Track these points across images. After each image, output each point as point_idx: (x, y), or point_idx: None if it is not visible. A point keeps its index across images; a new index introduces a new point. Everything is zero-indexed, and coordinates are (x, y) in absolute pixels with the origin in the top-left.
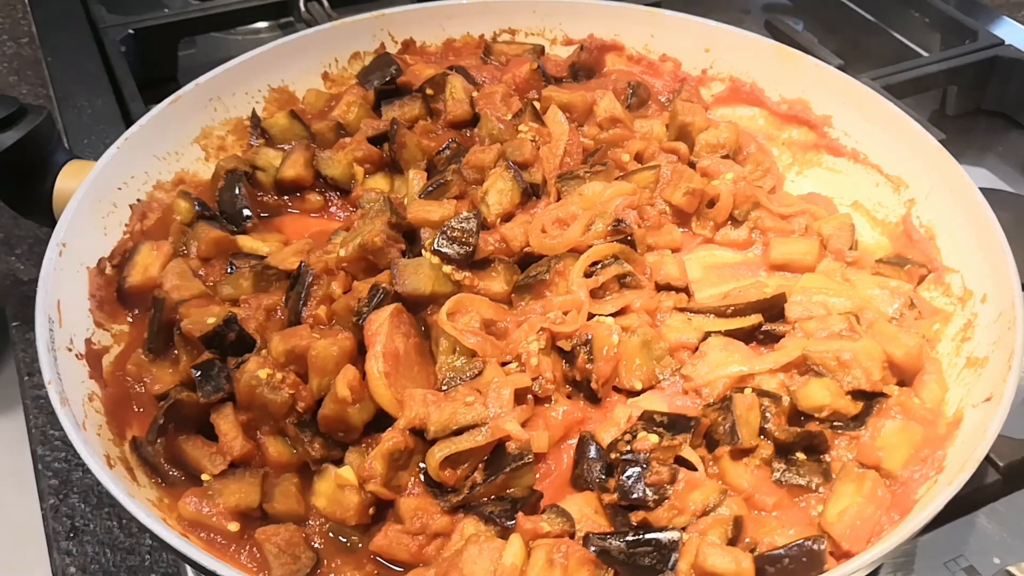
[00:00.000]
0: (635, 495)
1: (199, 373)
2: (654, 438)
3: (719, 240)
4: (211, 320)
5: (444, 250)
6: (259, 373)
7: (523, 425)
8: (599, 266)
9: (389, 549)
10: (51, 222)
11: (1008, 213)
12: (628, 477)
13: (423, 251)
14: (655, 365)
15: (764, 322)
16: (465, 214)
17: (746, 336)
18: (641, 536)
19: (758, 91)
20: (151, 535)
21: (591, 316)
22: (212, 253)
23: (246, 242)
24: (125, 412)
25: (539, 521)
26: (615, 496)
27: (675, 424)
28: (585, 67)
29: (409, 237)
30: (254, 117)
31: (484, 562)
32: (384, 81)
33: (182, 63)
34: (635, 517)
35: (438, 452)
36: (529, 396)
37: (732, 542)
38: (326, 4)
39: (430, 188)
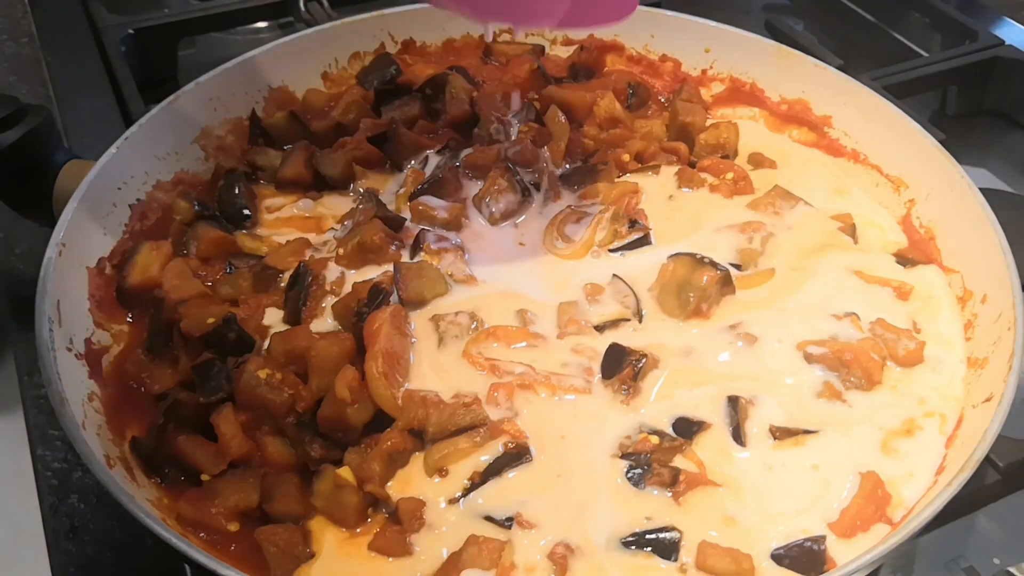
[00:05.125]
0: (636, 496)
1: (199, 373)
2: (655, 439)
3: None
4: (211, 320)
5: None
6: (259, 373)
7: None
8: None
9: (387, 550)
10: (51, 222)
11: (1008, 213)
12: (629, 478)
13: (423, 253)
14: None
15: None
16: None
17: None
18: (642, 536)
19: (758, 91)
20: (151, 535)
21: None
22: (212, 253)
23: (246, 242)
24: (125, 412)
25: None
26: None
27: (677, 425)
28: (585, 67)
29: (392, 225)
30: (254, 117)
31: (484, 562)
32: (384, 81)
33: (182, 63)
34: None
35: (437, 453)
36: None
37: (732, 542)
38: (326, 4)
39: (424, 185)
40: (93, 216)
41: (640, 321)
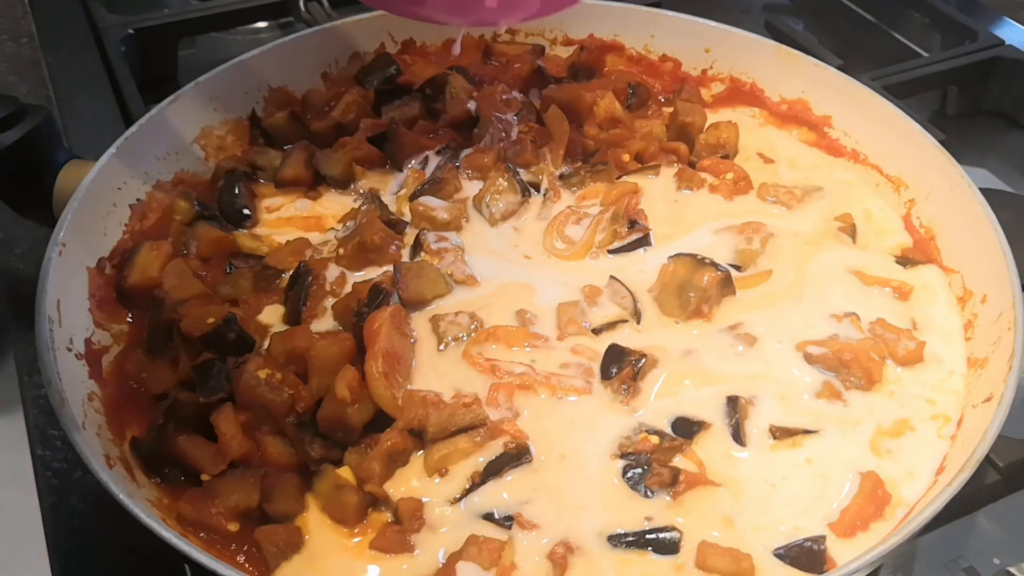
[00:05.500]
0: (636, 496)
1: (199, 373)
2: (655, 439)
3: None
4: (211, 320)
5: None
6: (259, 373)
7: None
8: None
9: (388, 550)
10: (51, 222)
11: (1008, 213)
12: (629, 478)
13: (423, 253)
14: None
15: None
16: None
17: None
18: (642, 536)
19: (758, 91)
20: (151, 535)
21: None
22: (212, 253)
23: (246, 242)
24: (125, 412)
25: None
26: None
27: (677, 425)
28: (585, 67)
29: (394, 228)
30: (254, 117)
31: (484, 562)
32: (384, 81)
33: (182, 63)
34: None
35: (437, 453)
36: None
37: (732, 542)
38: (326, 4)
39: (424, 186)
40: (93, 216)
41: (638, 322)
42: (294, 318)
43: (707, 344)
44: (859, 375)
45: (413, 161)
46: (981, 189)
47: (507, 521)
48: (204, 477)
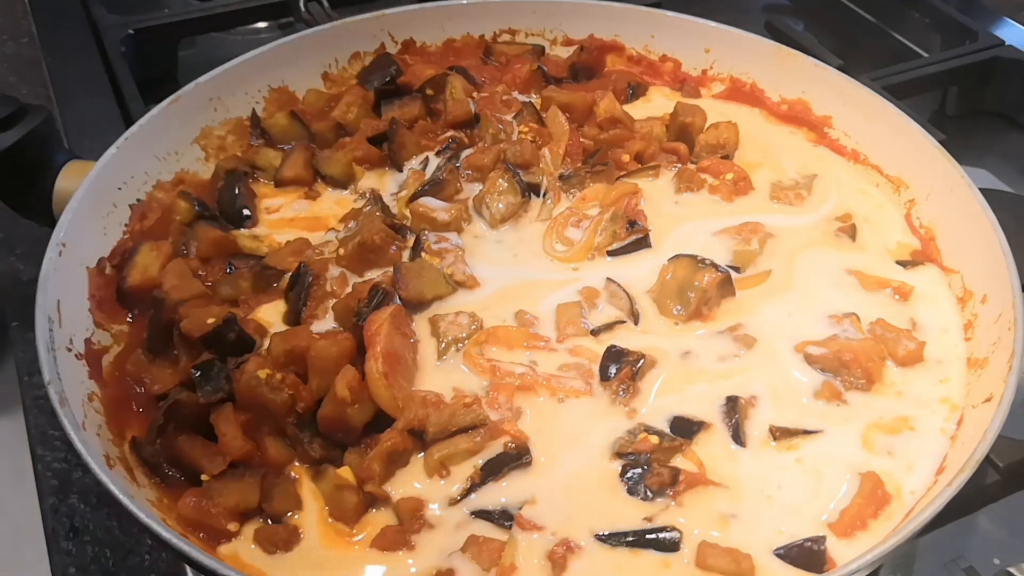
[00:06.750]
0: (636, 496)
1: (199, 373)
2: (655, 439)
3: None
4: (211, 320)
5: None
6: (259, 373)
7: None
8: None
9: (388, 550)
10: (51, 222)
11: (1008, 213)
12: (629, 478)
13: (423, 253)
14: None
15: None
16: None
17: None
18: (642, 536)
19: (758, 91)
20: (151, 535)
21: None
22: (212, 253)
23: (246, 242)
24: (125, 412)
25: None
26: None
27: (677, 426)
28: (585, 67)
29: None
30: (254, 117)
31: (484, 562)
32: (384, 81)
33: (182, 63)
34: None
35: (437, 453)
36: None
37: (732, 542)
38: (326, 4)
39: (425, 187)
40: (93, 216)
41: (636, 323)
42: (294, 318)
43: (706, 345)
44: (859, 375)
45: (413, 162)
46: (981, 189)
47: (507, 521)
48: (204, 477)
